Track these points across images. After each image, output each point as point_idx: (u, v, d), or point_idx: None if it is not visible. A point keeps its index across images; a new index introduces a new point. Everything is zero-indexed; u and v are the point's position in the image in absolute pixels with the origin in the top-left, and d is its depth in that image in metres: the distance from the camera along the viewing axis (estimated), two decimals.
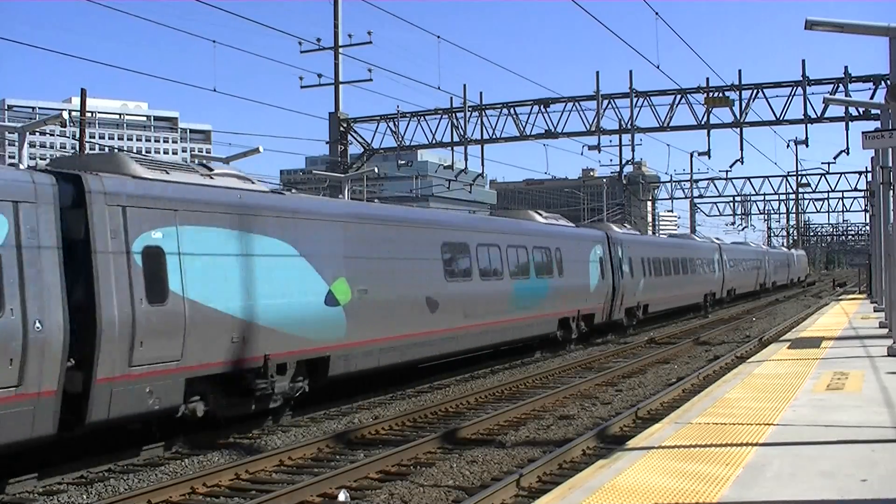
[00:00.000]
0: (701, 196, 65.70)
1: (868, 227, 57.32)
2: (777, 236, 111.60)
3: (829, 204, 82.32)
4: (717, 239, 56.82)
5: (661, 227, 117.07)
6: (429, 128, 36.36)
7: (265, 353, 14.10)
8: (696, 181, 64.24)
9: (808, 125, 32.55)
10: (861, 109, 30.40)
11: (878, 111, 23.90)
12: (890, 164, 19.58)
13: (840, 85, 31.09)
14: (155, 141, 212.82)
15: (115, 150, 22.03)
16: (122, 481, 11.48)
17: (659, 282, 36.49)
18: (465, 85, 36.15)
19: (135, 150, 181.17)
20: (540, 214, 28.15)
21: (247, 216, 14.05)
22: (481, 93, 35.79)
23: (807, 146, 36.21)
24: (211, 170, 14.73)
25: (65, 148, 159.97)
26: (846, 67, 30.89)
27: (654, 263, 35.88)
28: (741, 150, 36.96)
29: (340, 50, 34.14)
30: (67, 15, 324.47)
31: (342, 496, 10.48)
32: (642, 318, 34.44)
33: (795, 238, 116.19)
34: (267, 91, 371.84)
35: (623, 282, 31.36)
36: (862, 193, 59.83)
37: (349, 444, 13.67)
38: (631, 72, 33.78)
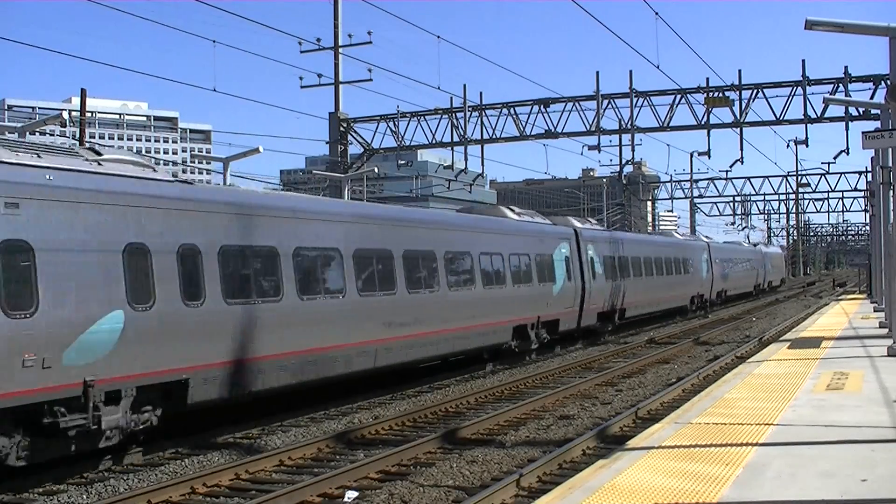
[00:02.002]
0: (701, 196, 65.76)
1: (868, 227, 57.29)
2: (777, 236, 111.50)
3: (829, 204, 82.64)
4: (577, 221, 31.44)
5: (661, 227, 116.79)
6: (429, 128, 36.39)
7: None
8: (696, 181, 64.31)
9: (808, 125, 32.57)
10: (861, 109, 30.40)
11: (878, 111, 23.91)
12: (890, 164, 19.58)
13: (840, 85, 31.09)
14: (155, 141, 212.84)
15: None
16: (122, 481, 11.48)
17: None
18: (465, 85, 36.19)
19: (135, 150, 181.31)
20: None
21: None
22: (481, 93, 35.83)
23: (807, 146, 36.26)
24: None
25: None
26: (846, 67, 30.94)
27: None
28: (741, 150, 37.07)
29: (340, 50, 34.16)
30: (67, 15, 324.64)
31: (348, 496, 10.47)
32: None
33: (789, 233, 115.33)
34: (267, 91, 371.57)
35: None
36: (862, 193, 59.86)
37: (349, 444, 13.67)
38: (631, 72, 33.81)
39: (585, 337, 30.11)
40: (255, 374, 14.22)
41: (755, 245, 72.71)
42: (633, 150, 40.09)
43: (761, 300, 61.55)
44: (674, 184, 64.60)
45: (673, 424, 11.12)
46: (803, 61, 31.81)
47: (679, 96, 33.46)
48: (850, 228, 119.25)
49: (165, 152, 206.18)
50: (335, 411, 16.73)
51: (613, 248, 32.50)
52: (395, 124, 36.71)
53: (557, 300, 26.36)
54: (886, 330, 22.26)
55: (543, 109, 34.70)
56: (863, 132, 16.53)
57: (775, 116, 32.58)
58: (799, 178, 63.26)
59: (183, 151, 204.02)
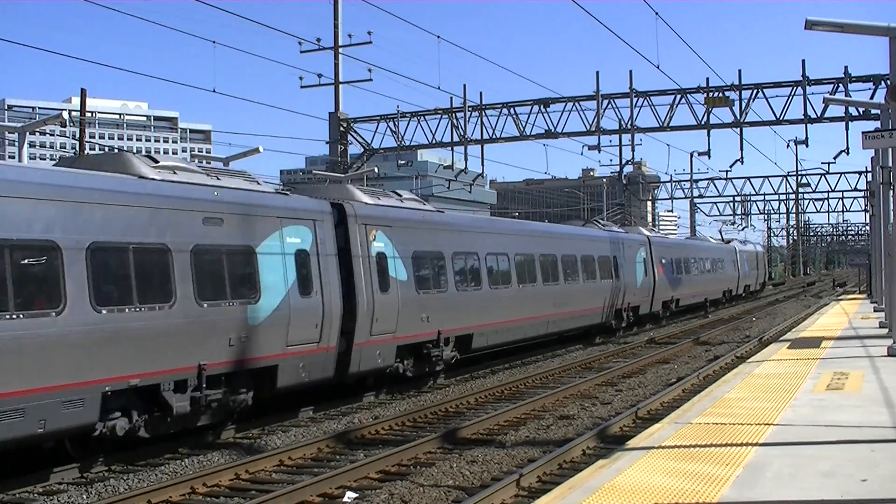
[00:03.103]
0: (701, 196, 65.62)
1: (868, 227, 57.21)
2: (777, 236, 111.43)
3: (829, 204, 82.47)
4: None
5: (661, 227, 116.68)
6: (429, 128, 36.38)
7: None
8: (696, 181, 64.20)
9: (808, 125, 32.54)
10: (861, 109, 30.39)
11: (878, 111, 23.91)
12: (890, 164, 19.59)
13: (840, 85, 31.08)
14: (155, 141, 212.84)
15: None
16: (122, 481, 11.48)
17: None
18: (465, 85, 36.19)
19: (135, 150, 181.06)
20: None
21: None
22: (481, 93, 35.82)
23: (807, 146, 36.22)
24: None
25: (65, 148, 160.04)
26: (846, 67, 30.92)
27: None
28: (741, 150, 36.95)
29: (340, 50, 34.15)
30: (67, 15, 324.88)
31: (348, 497, 10.47)
32: None
33: (789, 233, 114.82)
34: (267, 91, 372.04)
35: None
36: (862, 193, 59.81)
37: (349, 444, 13.67)
38: (631, 72, 33.80)
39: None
40: None
41: (728, 242, 60.02)
42: (633, 150, 40.01)
43: (762, 300, 61.44)
44: (674, 184, 64.54)
45: (673, 424, 11.12)
46: (803, 61, 31.83)
47: (679, 96, 33.45)
48: (850, 228, 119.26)
49: (165, 152, 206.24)
50: (335, 411, 16.74)
51: (445, 239, 20.66)
52: (395, 124, 36.71)
53: (267, 333, 14.28)
54: (886, 330, 22.26)
55: (543, 109, 34.69)
56: (863, 132, 16.55)
57: (775, 116, 32.57)
58: (799, 178, 63.20)
59: (183, 151, 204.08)
